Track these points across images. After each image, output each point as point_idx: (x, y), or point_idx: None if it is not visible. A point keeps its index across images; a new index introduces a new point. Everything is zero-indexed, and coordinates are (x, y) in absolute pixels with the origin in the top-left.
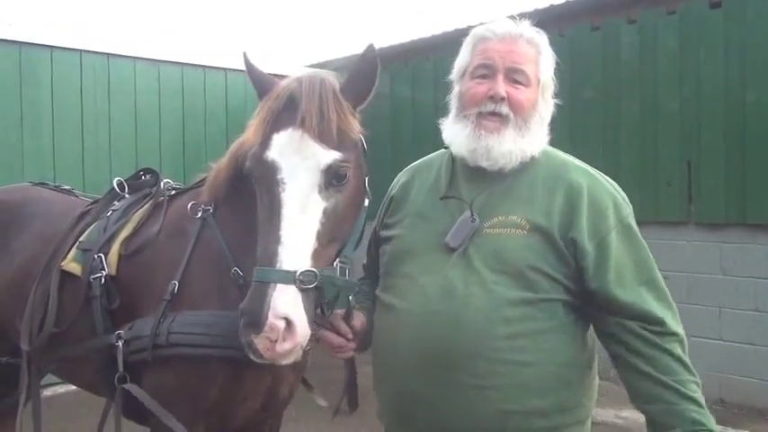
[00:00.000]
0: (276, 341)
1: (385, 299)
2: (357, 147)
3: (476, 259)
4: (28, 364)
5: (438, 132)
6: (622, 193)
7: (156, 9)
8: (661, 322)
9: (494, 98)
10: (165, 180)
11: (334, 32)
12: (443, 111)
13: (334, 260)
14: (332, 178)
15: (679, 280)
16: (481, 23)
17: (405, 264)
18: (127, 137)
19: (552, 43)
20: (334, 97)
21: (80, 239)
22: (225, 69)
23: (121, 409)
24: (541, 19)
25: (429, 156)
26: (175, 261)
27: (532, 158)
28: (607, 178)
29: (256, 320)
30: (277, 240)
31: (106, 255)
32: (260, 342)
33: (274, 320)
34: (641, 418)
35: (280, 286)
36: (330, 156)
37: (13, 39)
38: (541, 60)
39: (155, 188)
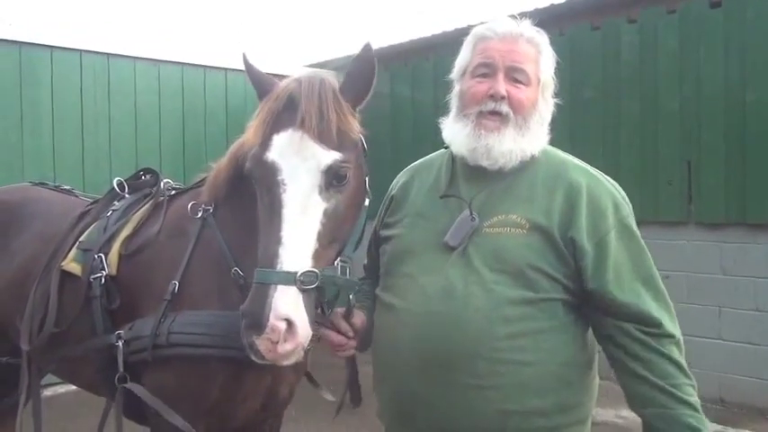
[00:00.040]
0: (277, 342)
1: (385, 299)
2: (357, 147)
3: (475, 258)
4: (28, 363)
5: (438, 132)
6: (622, 192)
7: (156, 9)
8: (658, 324)
9: (494, 97)
10: (165, 180)
11: (334, 32)
12: (443, 110)
13: (335, 260)
14: (332, 179)
15: (679, 280)
16: (481, 23)
17: (405, 263)
18: (127, 137)
19: (552, 43)
20: (333, 97)
21: (80, 239)
22: (225, 69)
23: (122, 409)
24: (542, 18)
25: (429, 156)
26: (176, 261)
27: (532, 158)
28: (607, 177)
29: (258, 322)
30: (278, 241)
31: (106, 255)
32: (261, 343)
33: (275, 322)
34: None
35: (281, 287)
36: (330, 156)
37: (13, 39)
38: (542, 60)
39: (155, 188)
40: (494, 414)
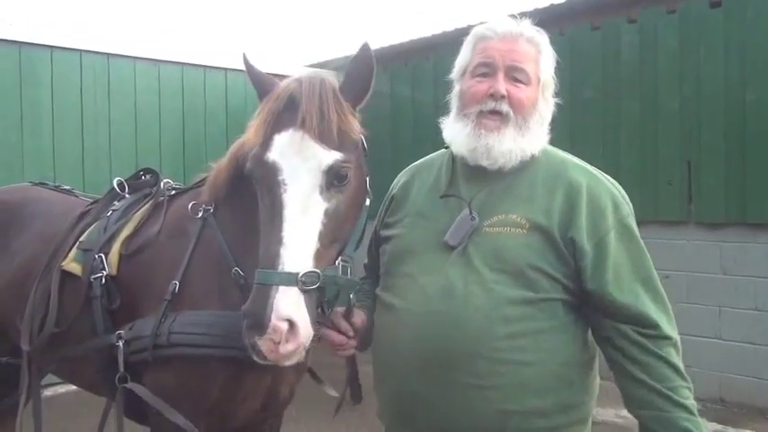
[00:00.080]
0: (279, 343)
1: (385, 298)
2: (358, 147)
3: (475, 258)
4: (28, 364)
5: (438, 132)
6: (623, 191)
7: (156, 9)
8: (655, 325)
9: (494, 96)
10: (165, 180)
11: (334, 32)
12: (443, 110)
13: (336, 260)
14: (333, 179)
15: (679, 279)
16: (481, 23)
17: (405, 263)
18: (127, 137)
19: (552, 42)
20: (334, 97)
21: (80, 239)
22: (225, 69)
23: (122, 409)
24: (542, 18)
25: (430, 155)
26: (176, 261)
27: (532, 157)
28: (607, 177)
29: (259, 322)
30: (279, 242)
31: (107, 255)
32: (263, 344)
33: (277, 322)
34: None
35: (282, 288)
36: (331, 156)
37: (13, 39)
38: (542, 59)
39: (155, 188)
40: (494, 414)
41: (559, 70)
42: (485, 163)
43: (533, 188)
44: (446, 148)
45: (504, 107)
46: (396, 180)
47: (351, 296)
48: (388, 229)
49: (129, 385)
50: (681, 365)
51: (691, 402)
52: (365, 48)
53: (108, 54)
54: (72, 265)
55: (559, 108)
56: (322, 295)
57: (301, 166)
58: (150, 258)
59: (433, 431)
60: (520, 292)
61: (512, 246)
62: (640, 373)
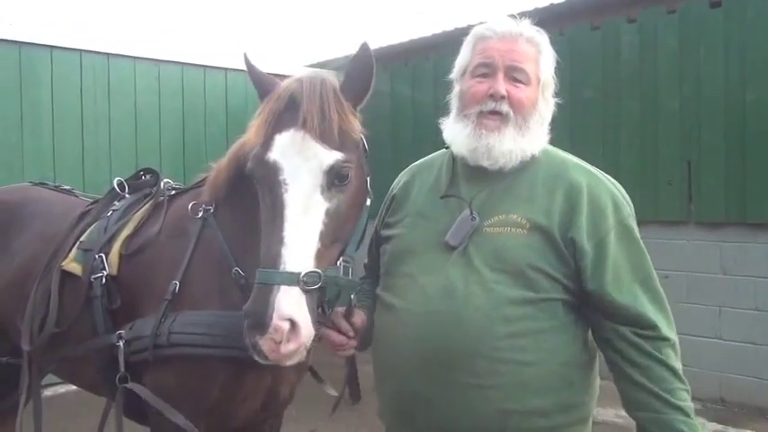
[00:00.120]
0: (281, 342)
1: (385, 298)
2: (358, 147)
3: (476, 258)
4: (29, 364)
5: (438, 132)
6: (623, 191)
7: (156, 9)
8: (653, 326)
9: (494, 96)
10: (165, 180)
11: (334, 32)
12: (443, 110)
13: (337, 260)
14: (334, 178)
15: (679, 279)
16: (481, 23)
17: (405, 263)
18: (127, 137)
19: (552, 42)
20: (335, 97)
21: (81, 239)
22: (225, 69)
23: (122, 409)
24: (541, 18)
25: (430, 155)
26: (176, 261)
27: (533, 157)
28: (608, 177)
29: (261, 322)
30: (280, 241)
31: (107, 255)
32: (265, 343)
33: (279, 322)
34: None
35: (284, 288)
36: (332, 156)
37: (13, 39)
38: (541, 59)
39: (155, 188)
40: (494, 413)
41: (559, 70)
42: (485, 163)
43: (534, 188)
44: (446, 147)
45: (504, 107)
46: (396, 180)
47: (351, 296)
48: (388, 228)
49: (130, 385)
50: (678, 367)
51: (687, 404)
52: (365, 47)
53: (108, 54)
54: (72, 265)
55: (559, 108)
56: (323, 295)
57: (302, 166)
58: (150, 258)
59: (433, 430)
60: (520, 292)
61: (512, 246)
62: (639, 375)
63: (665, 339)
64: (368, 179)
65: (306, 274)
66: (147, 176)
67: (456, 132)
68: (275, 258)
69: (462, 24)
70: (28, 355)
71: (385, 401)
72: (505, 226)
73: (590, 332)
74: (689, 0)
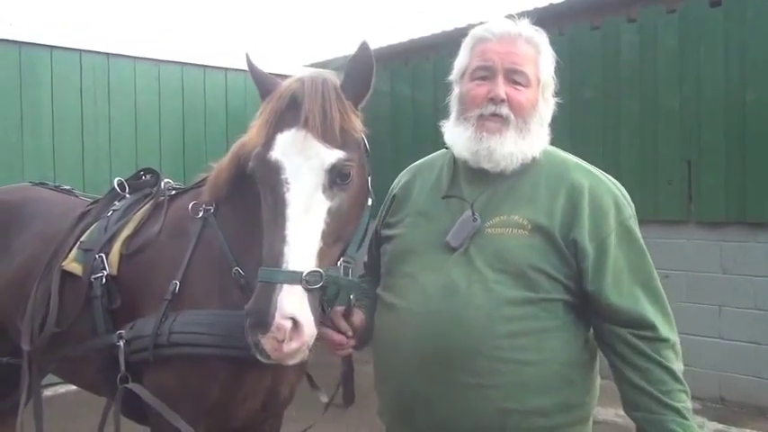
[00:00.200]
0: (283, 341)
1: (386, 298)
2: (360, 146)
3: (477, 259)
4: (29, 364)
5: (438, 132)
6: (624, 191)
7: (156, 9)
8: (652, 327)
9: (494, 100)
10: (165, 180)
11: (334, 32)
12: (443, 110)
13: (338, 259)
14: (336, 177)
15: (679, 279)
16: (481, 23)
17: (406, 263)
18: (127, 137)
19: (552, 42)
20: (336, 96)
21: (81, 239)
22: (225, 69)
23: (122, 409)
24: (541, 18)
25: (430, 155)
26: (176, 261)
27: (533, 159)
28: (609, 177)
29: (263, 321)
30: (282, 240)
31: (107, 254)
32: (267, 342)
33: (281, 320)
34: None
35: (286, 287)
36: (334, 155)
37: (13, 39)
38: (541, 60)
39: (155, 188)
40: (494, 413)
41: (559, 70)
42: (487, 166)
43: (535, 189)
44: (446, 148)
45: (505, 110)
46: (397, 180)
47: (351, 296)
48: (389, 228)
49: (130, 385)
50: (678, 368)
51: (684, 405)
52: (364, 46)
53: (108, 54)
54: (72, 265)
55: (559, 108)
56: (323, 294)
57: (304, 165)
58: (151, 258)
59: (433, 430)
60: (521, 292)
61: (513, 246)
62: (638, 378)
63: (665, 340)
64: (369, 179)
65: (308, 273)
66: (148, 176)
67: (457, 135)
68: (277, 257)
69: (462, 24)
70: (28, 355)
71: (385, 401)
72: (507, 227)
73: (591, 331)
74: (689, 0)
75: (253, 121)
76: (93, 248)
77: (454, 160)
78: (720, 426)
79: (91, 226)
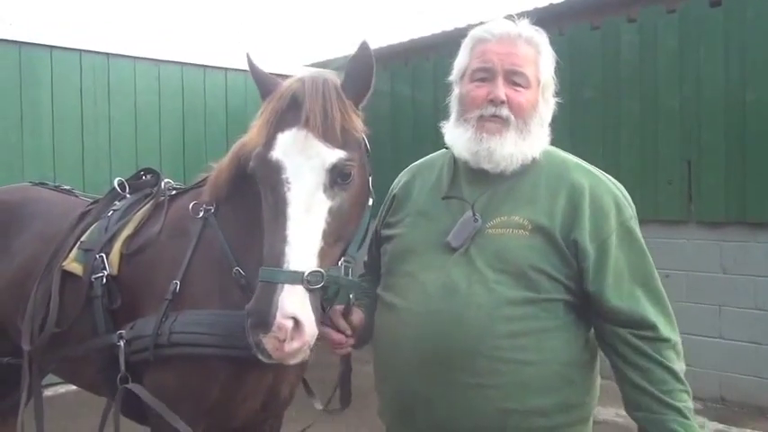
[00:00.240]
0: (284, 341)
1: (386, 298)
2: (361, 146)
3: (477, 259)
4: (29, 364)
5: (438, 132)
6: (624, 191)
7: (156, 9)
8: (653, 327)
9: (494, 102)
10: (165, 180)
11: (335, 32)
12: (443, 110)
13: (339, 259)
14: (337, 177)
15: (679, 278)
16: (481, 23)
17: (406, 262)
18: (127, 137)
19: (552, 42)
20: (337, 96)
21: (81, 239)
22: (225, 69)
23: (123, 409)
24: (541, 18)
25: (430, 155)
26: (177, 260)
27: (533, 160)
28: (609, 177)
29: (264, 320)
30: (283, 240)
31: (108, 254)
32: (268, 342)
33: (282, 320)
34: None
35: (287, 286)
36: (335, 155)
37: (13, 39)
38: (541, 60)
39: (156, 188)
40: (494, 413)
41: (559, 70)
42: (487, 166)
43: (536, 190)
44: (446, 147)
45: (505, 112)
46: (397, 179)
47: (350, 295)
48: (389, 228)
49: (130, 386)
50: (679, 368)
51: (685, 405)
52: (364, 46)
53: (108, 54)
54: (73, 264)
55: (559, 108)
56: (323, 294)
57: (305, 165)
58: (151, 258)
59: (433, 430)
60: (522, 292)
61: (514, 247)
62: (639, 378)
63: (666, 340)
64: (370, 178)
65: (310, 273)
66: (148, 176)
67: (457, 136)
68: (279, 257)
69: (462, 24)
70: (28, 354)
71: (385, 401)
72: (507, 227)
73: (591, 331)
74: (689, 0)
75: (253, 121)
76: (94, 248)
77: (454, 160)
78: (721, 426)
79: (91, 226)
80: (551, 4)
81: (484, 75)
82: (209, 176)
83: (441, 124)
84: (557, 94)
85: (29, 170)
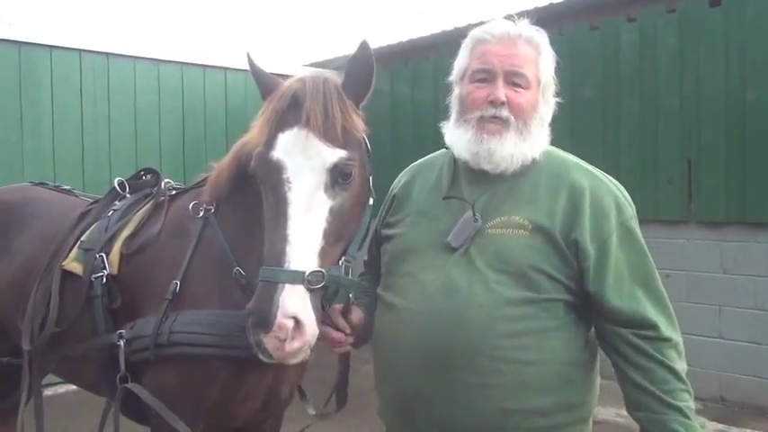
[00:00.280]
0: (285, 340)
1: (386, 297)
2: (361, 145)
3: (478, 259)
4: (29, 363)
5: (438, 132)
6: (624, 190)
7: (156, 9)
8: (654, 326)
9: (494, 103)
10: (165, 180)
11: (335, 32)
12: (444, 110)
13: (340, 258)
14: (337, 176)
15: (679, 278)
16: (481, 23)
17: (406, 262)
18: (127, 137)
19: (552, 42)
20: (338, 96)
21: (81, 239)
22: (225, 69)
23: (123, 409)
24: (541, 17)
25: (430, 155)
26: (177, 260)
27: (533, 160)
28: (609, 177)
29: (265, 320)
30: (284, 240)
31: (108, 254)
32: (269, 341)
33: (283, 320)
34: None
35: (288, 286)
36: (335, 154)
37: (13, 39)
38: (541, 61)
39: (156, 188)
40: (494, 412)
41: (559, 70)
42: (487, 167)
43: (536, 190)
44: (446, 148)
45: (505, 113)
46: (397, 179)
47: (350, 295)
48: (389, 228)
49: (129, 385)
50: (681, 368)
51: (686, 405)
52: (364, 46)
53: (108, 54)
54: (73, 264)
55: (559, 108)
56: (323, 293)
57: (305, 164)
58: (151, 258)
59: (433, 430)
60: (522, 292)
61: (514, 247)
62: (640, 378)
63: (667, 340)
64: (370, 178)
65: (310, 273)
66: (148, 176)
67: (457, 137)
68: (279, 256)
69: (462, 24)
70: (28, 354)
71: (385, 401)
72: (508, 227)
73: (592, 330)
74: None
75: (254, 121)
76: (94, 248)
77: (454, 160)
78: (721, 426)
79: (91, 226)
80: (551, 4)
81: (484, 76)
82: (210, 176)
83: (441, 124)
84: (557, 94)
85: (29, 170)
